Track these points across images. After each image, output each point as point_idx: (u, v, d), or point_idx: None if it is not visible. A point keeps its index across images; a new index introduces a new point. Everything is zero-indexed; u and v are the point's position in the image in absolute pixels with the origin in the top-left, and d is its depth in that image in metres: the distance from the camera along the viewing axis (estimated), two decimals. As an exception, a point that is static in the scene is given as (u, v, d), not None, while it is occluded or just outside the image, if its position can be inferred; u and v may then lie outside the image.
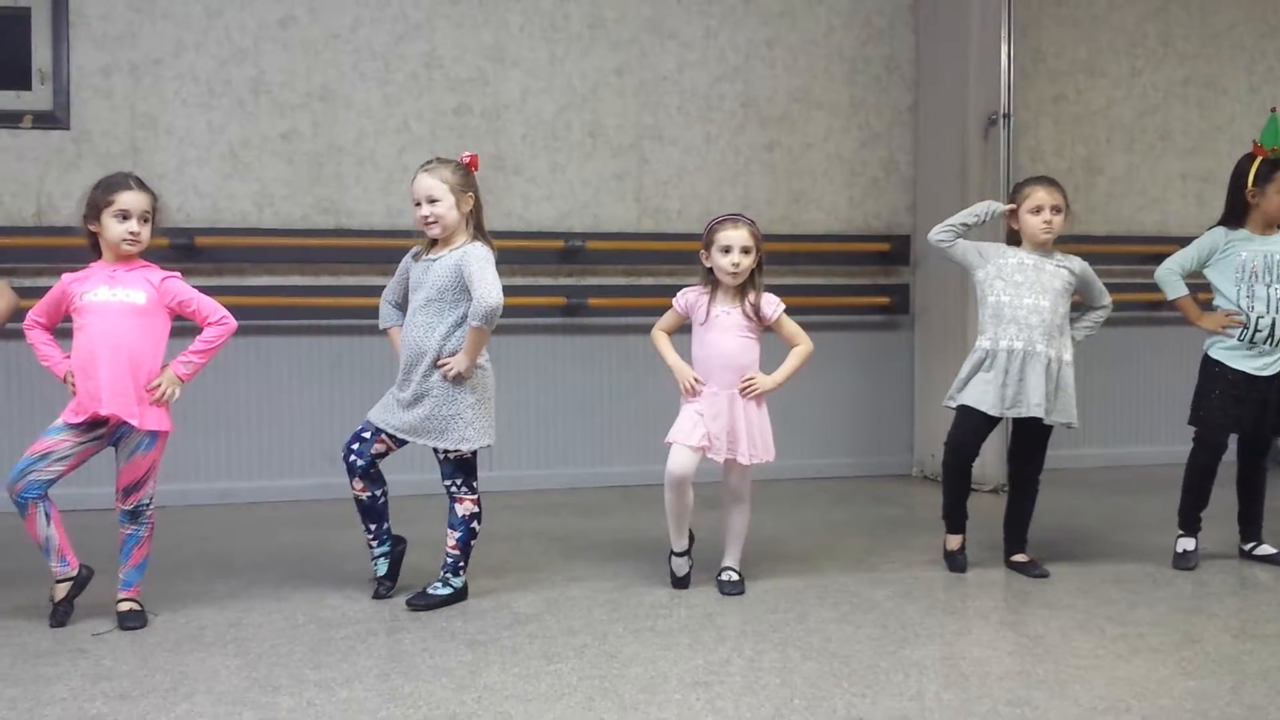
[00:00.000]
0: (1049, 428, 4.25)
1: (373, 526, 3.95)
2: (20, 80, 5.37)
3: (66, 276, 3.70)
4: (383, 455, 3.89)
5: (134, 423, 3.56)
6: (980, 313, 4.28)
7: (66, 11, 5.36)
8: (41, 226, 5.32)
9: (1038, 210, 4.22)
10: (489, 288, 3.68)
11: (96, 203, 3.63)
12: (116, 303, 3.60)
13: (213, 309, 3.71)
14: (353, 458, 3.86)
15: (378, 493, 3.91)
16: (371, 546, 3.97)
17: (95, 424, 3.59)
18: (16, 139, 5.35)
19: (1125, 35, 6.63)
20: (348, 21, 5.67)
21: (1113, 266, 6.35)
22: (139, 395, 3.58)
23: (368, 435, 3.87)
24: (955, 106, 6.00)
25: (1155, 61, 6.68)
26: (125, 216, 3.60)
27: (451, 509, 3.89)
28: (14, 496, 3.57)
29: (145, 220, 3.64)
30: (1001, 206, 4.34)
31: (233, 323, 3.73)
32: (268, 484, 5.59)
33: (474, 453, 3.85)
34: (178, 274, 3.74)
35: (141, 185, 3.67)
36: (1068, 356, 4.21)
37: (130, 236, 3.61)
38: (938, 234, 4.31)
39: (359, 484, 3.88)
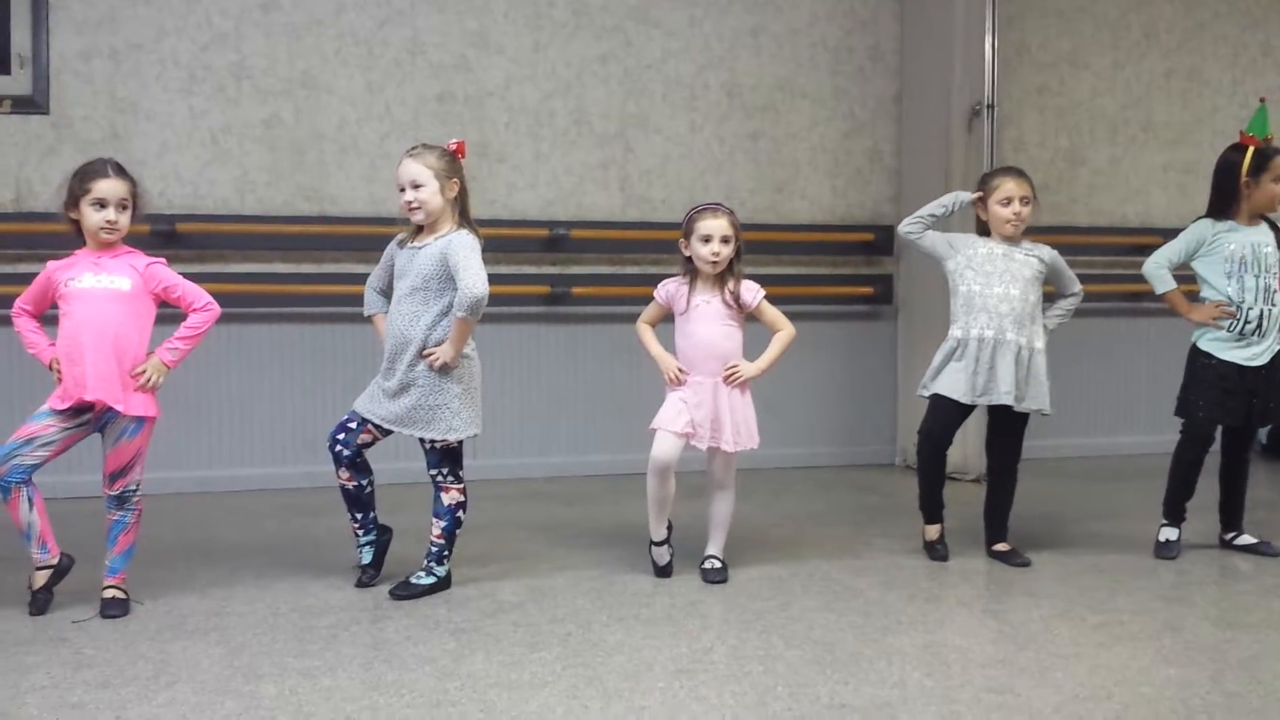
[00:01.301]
0: (1023, 416, 4.27)
1: (359, 516, 3.93)
2: (-1, 64, 5.33)
3: (51, 264, 3.68)
4: (369, 445, 3.88)
5: (119, 408, 3.55)
6: (952, 303, 4.31)
7: (46, -5, 5.32)
8: (21, 212, 5.27)
9: (1007, 202, 4.24)
10: (474, 278, 3.66)
11: (74, 191, 3.61)
12: (101, 289, 3.58)
13: (197, 295, 3.70)
14: (339, 448, 3.84)
15: (364, 482, 3.90)
16: (357, 535, 3.96)
17: (81, 410, 3.58)
18: (-5, 124, 5.31)
19: (1108, 27, 6.64)
20: (330, 7, 5.63)
21: (1095, 258, 6.37)
22: (124, 381, 3.57)
23: (354, 425, 3.85)
24: (939, 97, 6.00)
25: (1138, 53, 6.69)
26: (102, 205, 3.58)
27: (437, 498, 3.87)
28: None
29: (123, 208, 3.61)
30: (969, 196, 4.36)
31: (216, 309, 3.72)
32: (250, 472, 5.56)
33: (460, 442, 3.84)
34: (162, 260, 3.72)
35: (120, 172, 3.64)
36: (1039, 344, 4.23)
37: (107, 225, 3.59)
38: (907, 226, 4.35)
39: (345, 474, 3.86)
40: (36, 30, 5.32)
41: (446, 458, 3.84)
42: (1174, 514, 4.43)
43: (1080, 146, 6.63)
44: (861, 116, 6.33)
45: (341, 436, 3.85)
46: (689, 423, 3.93)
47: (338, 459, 3.85)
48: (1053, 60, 6.56)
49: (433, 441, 3.80)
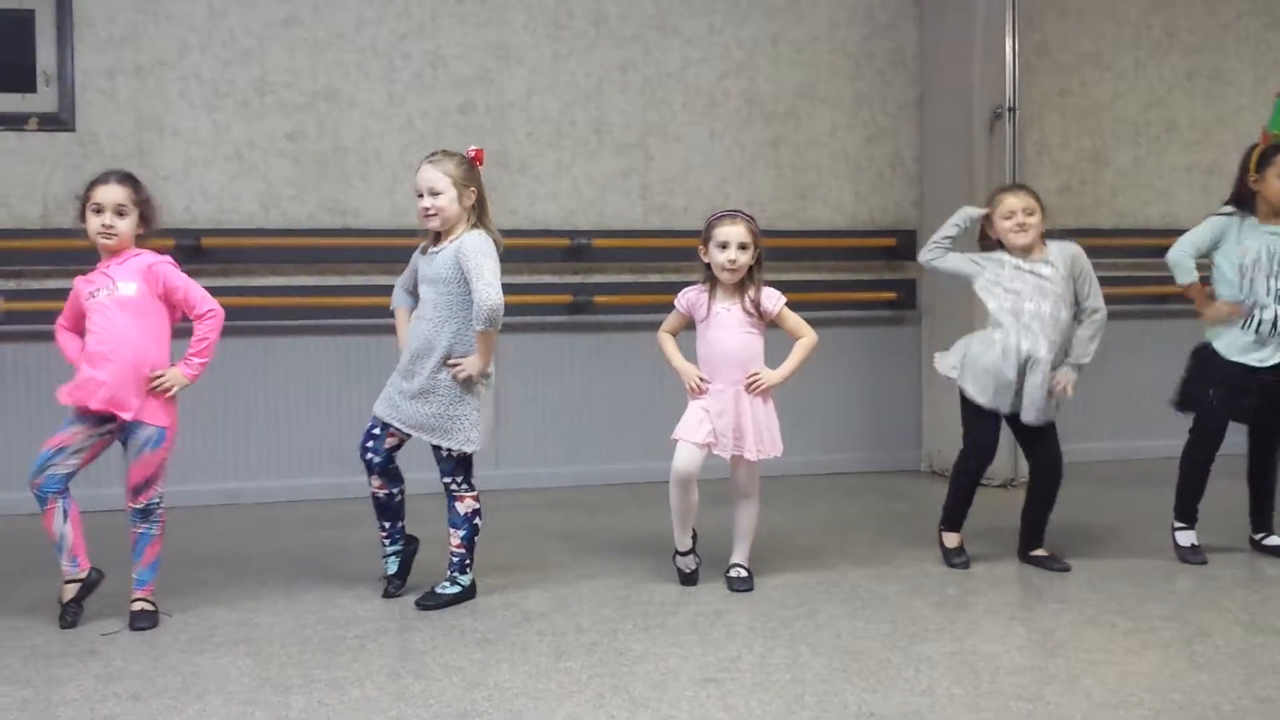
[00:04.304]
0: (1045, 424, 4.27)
1: (387, 524, 3.95)
2: (25, 83, 5.37)
3: (78, 279, 3.73)
4: (397, 448, 3.90)
5: (125, 416, 3.57)
6: (991, 313, 4.27)
7: (71, 13, 5.36)
8: (48, 229, 5.31)
9: (1009, 216, 4.24)
10: (487, 288, 3.66)
11: (80, 200, 3.68)
12: (114, 299, 3.62)
13: (200, 299, 3.70)
14: (369, 455, 3.87)
15: (395, 490, 3.92)
16: (384, 544, 3.98)
17: (105, 418, 3.61)
18: (22, 141, 5.35)
19: (1130, 27, 6.61)
20: (352, 21, 5.66)
21: (1120, 260, 6.34)
22: (139, 391, 3.60)
23: (378, 431, 3.87)
24: (960, 101, 5.98)
25: (1160, 53, 6.65)
26: (99, 210, 3.62)
27: (452, 507, 3.89)
28: (34, 490, 3.61)
29: (120, 214, 3.63)
30: (979, 211, 4.36)
31: (220, 312, 3.72)
32: (276, 484, 5.58)
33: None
34: (169, 259, 3.73)
35: (124, 180, 3.67)
36: (1063, 365, 4.22)
37: (103, 229, 3.63)
38: (927, 254, 4.36)
39: (377, 481, 3.89)
40: (61, 48, 5.38)
41: (460, 466, 3.85)
42: (1188, 514, 4.38)
43: (1103, 148, 6.59)
44: (883, 121, 6.31)
45: (370, 444, 3.87)
46: (710, 432, 3.93)
47: (370, 467, 3.87)
48: (1074, 61, 6.53)
49: (449, 450, 3.82)
